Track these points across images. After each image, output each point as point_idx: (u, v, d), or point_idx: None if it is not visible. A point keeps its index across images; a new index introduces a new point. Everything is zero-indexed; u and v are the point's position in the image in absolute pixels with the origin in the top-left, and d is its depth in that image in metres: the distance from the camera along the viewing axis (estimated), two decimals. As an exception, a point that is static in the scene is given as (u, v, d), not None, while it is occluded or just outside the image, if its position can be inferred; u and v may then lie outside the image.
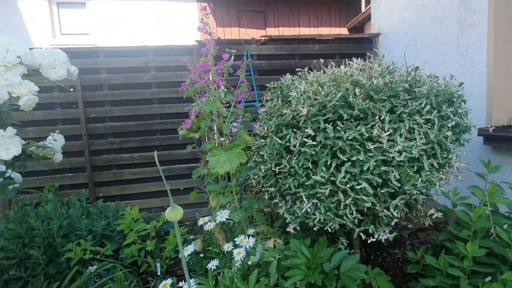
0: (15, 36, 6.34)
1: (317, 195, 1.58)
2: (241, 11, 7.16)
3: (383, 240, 1.58)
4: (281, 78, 2.12)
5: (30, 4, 6.40)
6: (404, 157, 1.43)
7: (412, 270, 1.56)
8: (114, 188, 3.29)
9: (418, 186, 1.44)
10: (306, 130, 1.55)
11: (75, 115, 3.18)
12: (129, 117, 3.28)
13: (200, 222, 1.94)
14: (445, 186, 1.60)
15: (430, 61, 2.64)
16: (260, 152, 1.83)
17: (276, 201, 1.80)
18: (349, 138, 1.48)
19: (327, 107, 1.57)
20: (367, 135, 1.47)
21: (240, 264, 1.60)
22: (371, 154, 1.47)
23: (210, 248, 1.91)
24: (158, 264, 2.23)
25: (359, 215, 1.54)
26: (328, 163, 1.53)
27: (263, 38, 3.40)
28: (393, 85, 1.63)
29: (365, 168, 1.45)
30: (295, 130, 1.63)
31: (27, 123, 3.09)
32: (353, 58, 1.86)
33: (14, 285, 2.22)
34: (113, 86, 3.24)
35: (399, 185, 1.46)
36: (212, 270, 1.67)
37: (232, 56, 1.95)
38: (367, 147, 1.46)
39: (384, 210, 1.51)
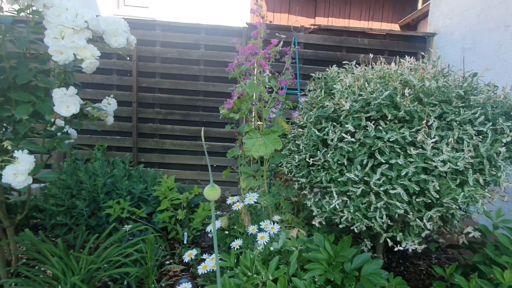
0: (85, 1, 6.60)
1: (348, 193, 1.48)
2: (294, -2, 6.88)
3: (410, 250, 1.45)
4: (326, 69, 1.99)
5: (100, -26, 6.57)
6: (448, 168, 1.28)
7: (438, 287, 1.42)
8: (155, 156, 3.36)
9: (459, 201, 1.29)
10: (346, 126, 1.44)
11: (128, 83, 3.25)
12: (176, 90, 3.30)
13: (229, 201, 1.92)
14: (488, 205, 1.43)
15: (489, 68, 2.35)
16: (296, 142, 1.74)
17: (305, 192, 1.72)
18: (390, 139, 1.35)
19: (371, 105, 1.43)
20: (410, 139, 1.33)
21: (262, 248, 1.56)
22: (411, 160, 1.33)
23: (235, 227, 1.88)
24: (185, 234, 2.26)
25: (389, 221, 1.43)
26: (364, 162, 1.41)
27: (312, 26, 3.23)
28: (446, 90, 1.46)
29: (403, 173, 1.32)
30: (334, 124, 1.52)
31: (86, 85, 3.21)
32: (406, 56, 1.69)
33: (59, 231, 2.36)
34: (165, 59, 3.26)
35: (438, 196, 1.32)
36: (235, 249, 1.65)
37: (281, 42, 1.84)
38: (408, 151, 1.33)
39: (417, 219, 1.38)
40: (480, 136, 1.37)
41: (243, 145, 1.77)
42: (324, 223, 1.64)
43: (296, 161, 1.68)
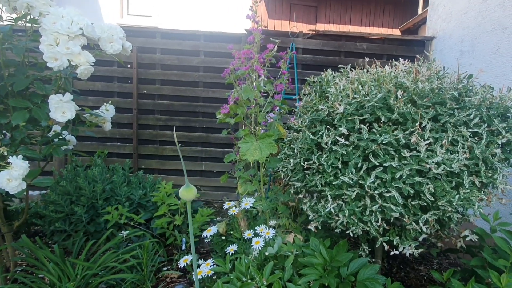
0: (89, 12, 6.70)
1: (343, 197, 1.46)
2: (294, 4, 6.94)
3: (407, 254, 1.43)
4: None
5: (105, -16, 6.70)
6: (442, 170, 1.26)
7: (434, 291, 1.39)
8: (155, 162, 3.38)
9: (454, 204, 1.26)
10: (340, 129, 1.43)
11: (129, 90, 3.28)
12: (176, 97, 3.32)
13: (226, 205, 1.91)
14: (486, 208, 1.40)
15: (487, 71, 2.34)
16: (291, 145, 1.74)
17: (301, 196, 1.71)
18: (384, 142, 1.33)
19: (365, 107, 1.43)
20: (404, 142, 1.32)
21: (257, 253, 1.54)
22: (405, 162, 1.31)
23: (232, 232, 1.87)
24: (183, 239, 2.25)
25: (385, 224, 1.41)
26: (359, 165, 1.40)
27: (310, 32, 3.24)
28: (441, 92, 1.44)
29: (397, 176, 1.31)
30: (329, 127, 1.52)
31: (87, 92, 3.24)
32: (400, 59, 1.68)
33: (58, 237, 2.36)
34: (165, 66, 3.29)
35: (433, 199, 1.30)
36: (231, 254, 1.63)
37: (276, 47, 1.85)
38: (402, 154, 1.31)
39: (413, 223, 1.36)
40: (476, 138, 1.35)
41: (239, 149, 1.77)
42: (320, 227, 1.63)
43: (292, 165, 1.68)
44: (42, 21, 1.37)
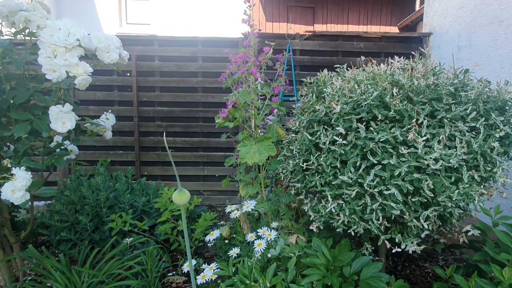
0: (89, 22, 6.78)
1: (343, 196, 1.46)
2: (290, 6, 6.97)
3: (410, 252, 1.42)
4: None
5: (104, -6, 6.78)
6: (441, 166, 1.26)
7: (438, 288, 1.38)
8: (157, 168, 3.40)
9: (454, 199, 1.26)
10: (337, 128, 1.43)
11: (129, 98, 3.31)
12: (176, 103, 3.35)
13: (228, 209, 1.92)
14: (487, 202, 1.40)
15: (485, 65, 2.34)
16: (290, 147, 1.75)
17: (301, 197, 1.71)
18: (381, 140, 1.34)
19: (362, 106, 1.43)
20: (402, 139, 1.32)
21: (260, 255, 1.55)
22: (404, 159, 1.32)
23: (235, 236, 1.88)
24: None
25: (386, 222, 1.41)
26: (357, 164, 1.40)
27: (307, 33, 3.26)
28: (437, 88, 1.45)
29: (396, 173, 1.31)
30: (326, 127, 1.52)
31: (88, 102, 3.28)
32: (395, 56, 1.69)
33: (64, 246, 2.38)
34: (163, 73, 3.32)
35: (433, 195, 1.30)
36: (234, 257, 1.64)
37: (271, 49, 1.87)
38: (400, 151, 1.32)
39: (414, 220, 1.36)
40: (473, 132, 1.35)
41: (239, 152, 1.79)
42: (322, 227, 1.63)
43: (291, 166, 1.68)
44: (40, 34, 1.39)
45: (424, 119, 1.34)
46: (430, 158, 1.26)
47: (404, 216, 1.36)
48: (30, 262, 2.07)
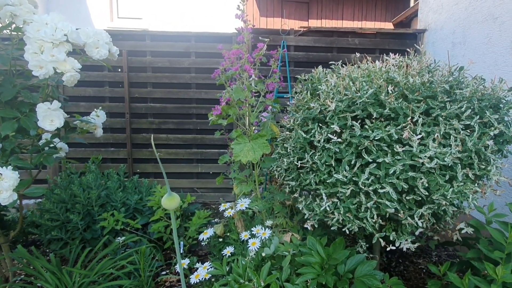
0: (79, 17, 6.66)
1: (337, 194, 1.46)
2: (285, 1, 6.93)
3: (404, 249, 1.43)
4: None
5: (94, -13, 6.65)
6: (435, 164, 1.26)
7: (432, 287, 1.39)
8: (150, 166, 3.37)
9: (448, 197, 1.27)
10: (332, 126, 1.43)
11: (120, 94, 3.26)
12: (169, 99, 3.31)
13: (222, 207, 1.91)
14: (481, 200, 1.41)
15: (479, 62, 2.34)
16: (285, 145, 1.73)
17: (296, 195, 1.71)
18: (376, 138, 1.34)
19: (357, 104, 1.43)
20: (397, 137, 1.32)
21: (254, 254, 1.54)
22: (398, 157, 1.32)
23: (228, 234, 1.87)
24: (181, 243, 2.24)
25: (380, 220, 1.41)
26: (352, 162, 1.40)
27: (301, 29, 3.24)
28: (432, 85, 1.45)
29: (391, 171, 1.31)
30: (321, 125, 1.51)
31: (79, 98, 3.23)
32: (391, 53, 1.68)
33: (55, 245, 2.35)
34: (156, 69, 3.28)
35: (427, 193, 1.30)
36: (228, 256, 1.63)
37: (265, 45, 1.85)
38: (395, 149, 1.31)
39: (408, 218, 1.36)
40: (468, 131, 1.36)
41: (232, 150, 1.77)
42: (317, 226, 1.63)
43: (285, 164, 1.68)
44: (26, 29, 1.35)
45: (419, 117, 1.34)
46: (425, 156, 1.26)
47: (399, 214, 1.37)
48: (20, 262, 2.04)
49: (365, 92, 1.41)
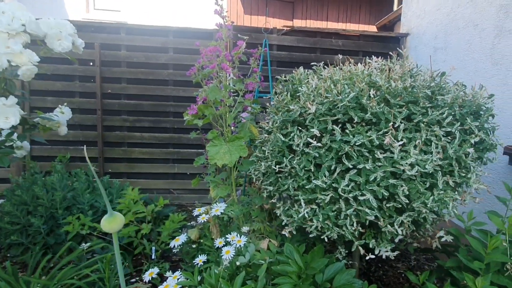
0: (53, 7, 6.37)
1: (316, 201, 1.42)
2: (270, 0, 6.90)
3: (383, 257, 1.41)
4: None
5: (67, -24, 6.38)
6: (416, 172, 1.24)
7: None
8: (123, 165, 3.23)
9: (429, 205, 1.25)
10: (311, 130, 1.38)
11: (92, 89, 3.11)
12: (144, 96, 3.19)
13: (196, 212, 1.83)
14: (460, 207, 1.40)
15: (459, 68, 2.38)
16: (263, 148, 1.68)
17: (273, 200, 1.66)
18: (357, 143, 1.30)
19: (338, 107, 1.39)
20: (378, 143, 1.29)
21: (229, 263, 1.48)
22: (379, 164, 1.29)
23: (202, 240, 1.80)
24: (153, 248, 2.15)
25: (360, 228, 1.38)
26: (332, 168, 1.36)
27: (285, 28, 3.20)
28: (414, 90, 1.43)
29: (372, 178, 1.28)
30: (300, 128, 1.47)
31: (46, 92, 3.05)
32: (373, 56, 1.66)
33: (15, 250, 2.20)
34: (131, 64, 3.15)
35: (407, 201, 1.28)
36: (201, 264, 1.56)
37: (244, 43, 1.79)
38: (376, 155, 1.28)
39: (388, 225, 1.33)
40: (449, 137, 1.35)
41: (207, 153, 1.70)
42: (295, 232, 1.58)
43: (263, 168, 1.62)
44: (-21, 16, 1.23)
45: (401, 122, 1.31)
46: (406, 163, 1.24)
47: (379, 222, 1.34)
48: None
49: (346, 95, 1.37)
